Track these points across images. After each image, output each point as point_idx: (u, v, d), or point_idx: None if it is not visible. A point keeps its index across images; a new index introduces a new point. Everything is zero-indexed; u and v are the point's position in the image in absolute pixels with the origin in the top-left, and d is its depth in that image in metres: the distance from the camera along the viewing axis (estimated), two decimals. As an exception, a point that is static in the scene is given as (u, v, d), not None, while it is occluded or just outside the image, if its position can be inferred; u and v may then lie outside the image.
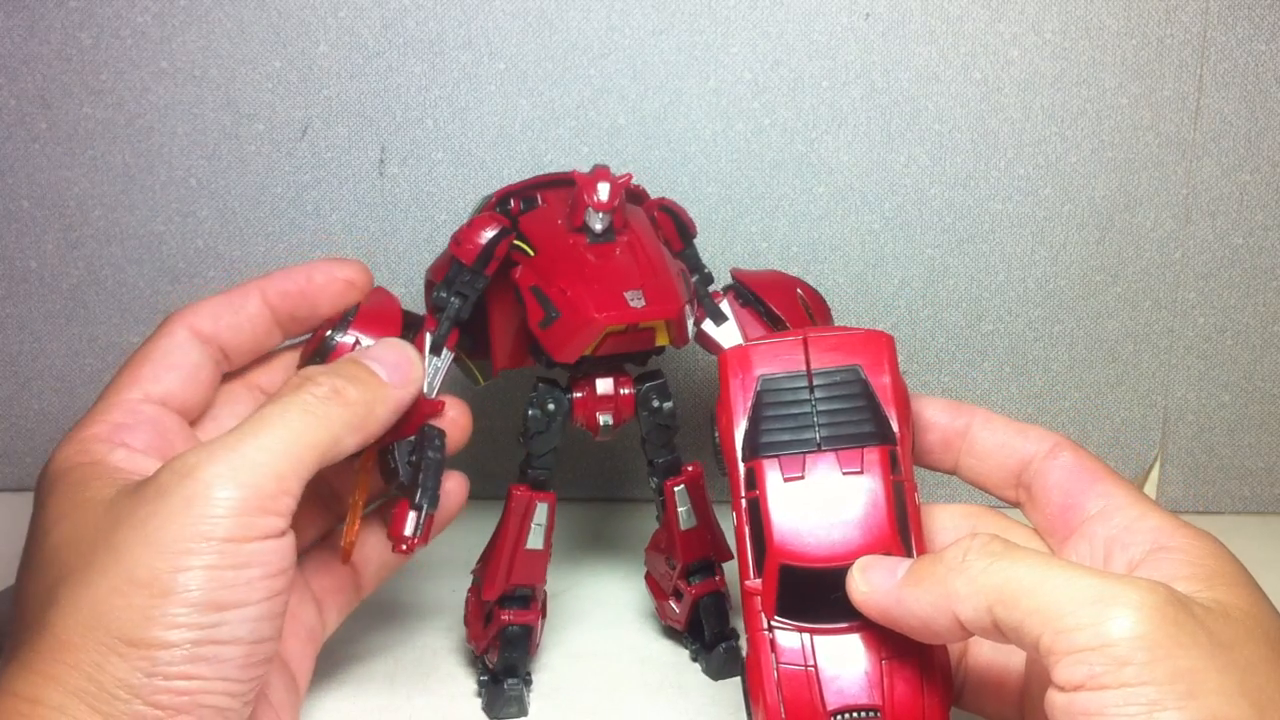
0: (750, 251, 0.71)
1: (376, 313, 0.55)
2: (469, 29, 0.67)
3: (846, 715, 0.45)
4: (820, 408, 0.50)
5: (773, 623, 0.47)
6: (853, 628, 0.47)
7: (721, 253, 0.70)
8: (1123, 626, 0.37)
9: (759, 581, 0.48)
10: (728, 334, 0.59)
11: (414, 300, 0.58)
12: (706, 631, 0.60)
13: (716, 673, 0.61)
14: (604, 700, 0.59)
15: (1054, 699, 0.38)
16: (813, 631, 0.47)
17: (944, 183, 0.70)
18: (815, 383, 0.50)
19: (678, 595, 0.61)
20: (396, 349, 0.52)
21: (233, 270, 0.71)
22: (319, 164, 0.69)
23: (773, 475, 0.49)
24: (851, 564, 0.46)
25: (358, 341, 0.53)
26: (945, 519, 0.51)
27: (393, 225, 0.70)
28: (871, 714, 0.45)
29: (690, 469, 0.58)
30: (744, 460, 0.49)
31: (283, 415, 0.47)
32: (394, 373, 0.51)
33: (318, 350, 0.53)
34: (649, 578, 0.64)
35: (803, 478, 0.48)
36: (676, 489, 0.58)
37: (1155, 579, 0.40)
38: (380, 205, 0.70)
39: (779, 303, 0.59)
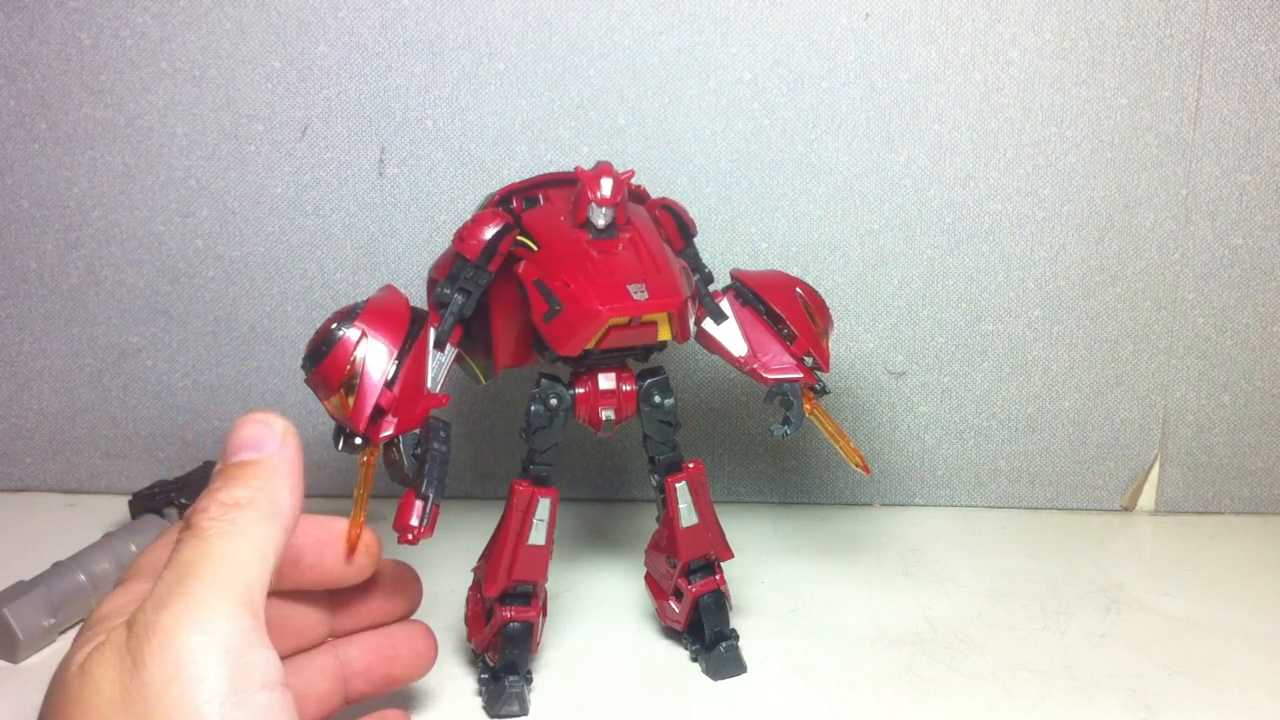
0: (750, 251, 0.71)
1: (384, 308, 0.55)
2: (469, 29, 0.67)
3: None
4: None
5: None
6: None
7: (721, 253, 0.70)
8: None
9: None
10: (728, 333, 0.59)
11: (414, 301, 0.58)
12: (706, 631, 0.60)
13: (716, 673, 0.60)
14: (604, 700, 0.59)
15: None
16: None
17: (944, 183, 0.70)
18: None
19: (678, 595, 0.61)
20: (243, 426, 0.46)
21: (232, 270, 0.71)
22: (319, 164, 0.69)
23: None
24: None
25: (364, 334, 0.53)
26: None
27: (393, 225, 0.70)
28: None
29: (691, 466, 0.58)
30: None
31: (209, 553, 0.41)
32: (261, 445, 0.45)
33: (324, 341, 0.53)
34: (649, 578, 0.63)
35: None
36: (678, 486, 0.58)
37: None
38: (380, 205, 0.70)
39: (779, 302, 0.59)
